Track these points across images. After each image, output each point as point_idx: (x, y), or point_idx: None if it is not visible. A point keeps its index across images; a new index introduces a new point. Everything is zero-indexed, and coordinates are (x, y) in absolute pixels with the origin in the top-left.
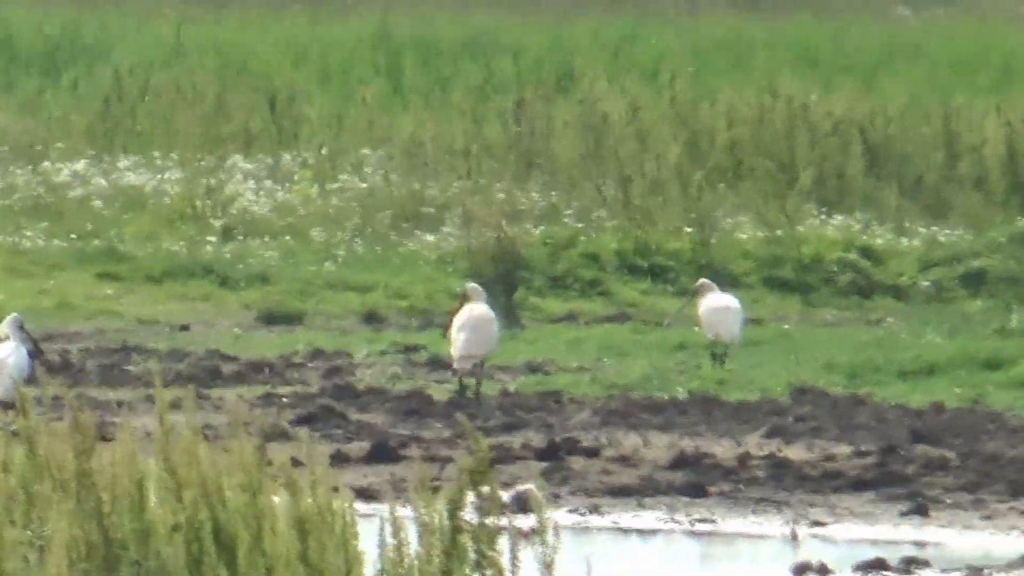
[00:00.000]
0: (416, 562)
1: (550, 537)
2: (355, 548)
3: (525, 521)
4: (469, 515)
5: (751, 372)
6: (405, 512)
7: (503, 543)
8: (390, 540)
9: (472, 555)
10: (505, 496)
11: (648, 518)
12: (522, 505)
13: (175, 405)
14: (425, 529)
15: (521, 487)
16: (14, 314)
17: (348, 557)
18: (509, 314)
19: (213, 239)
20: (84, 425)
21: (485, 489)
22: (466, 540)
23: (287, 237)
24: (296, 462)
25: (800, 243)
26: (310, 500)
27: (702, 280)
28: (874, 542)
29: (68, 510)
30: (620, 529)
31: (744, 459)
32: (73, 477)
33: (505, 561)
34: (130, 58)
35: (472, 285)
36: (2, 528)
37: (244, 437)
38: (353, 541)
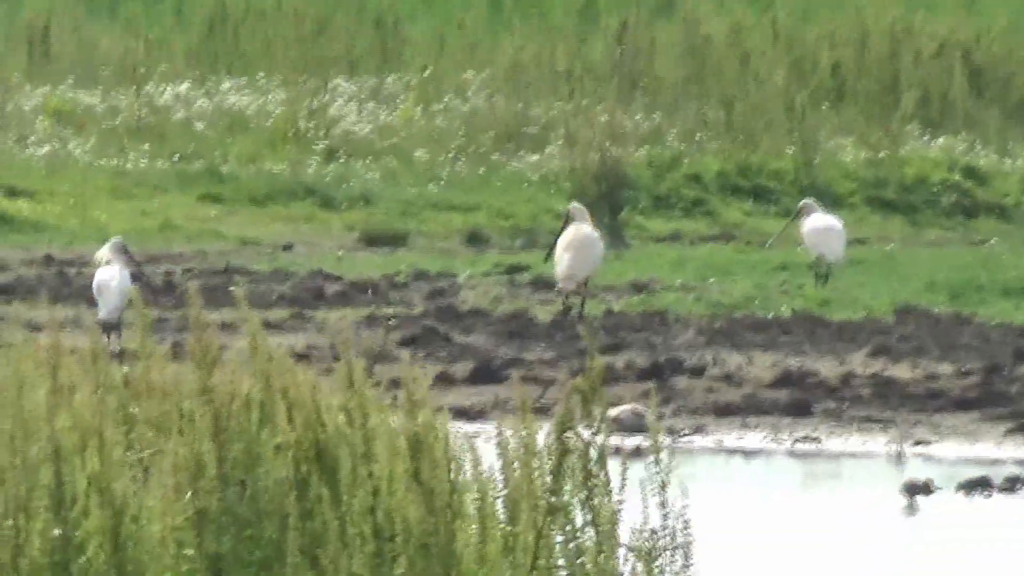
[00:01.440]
0: (523, 482)
1: (664, 457)
2: (462, 467)
3: (630, 441)
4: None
5: (854, 291)
6: (509, 432)
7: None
8: (495, 461)
9: (580, 476)
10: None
11: (752, 437)
12: (627, 425)
13: (277, 326)
14: (528, 450)
15: (625, 407)
16: (117, 237)
17: (454, 476)
18: (613, 234)
19: (316, 160)
20: (207, 342)
21: (596, 409)
22: (574, 461)
23: (390, 158)
24: (398, 383)
25: (903, 164)
26: (413, 420)
27: (805, 200)
28: (978, 461)
29: (178, 429)
30: (724, 448)
31: (848, 378)
32: (190, 395)
33: (613, 482)
34: None
35: (576, 205)
36: (112, 448)
37: (348, 358)
38: (456, 461)
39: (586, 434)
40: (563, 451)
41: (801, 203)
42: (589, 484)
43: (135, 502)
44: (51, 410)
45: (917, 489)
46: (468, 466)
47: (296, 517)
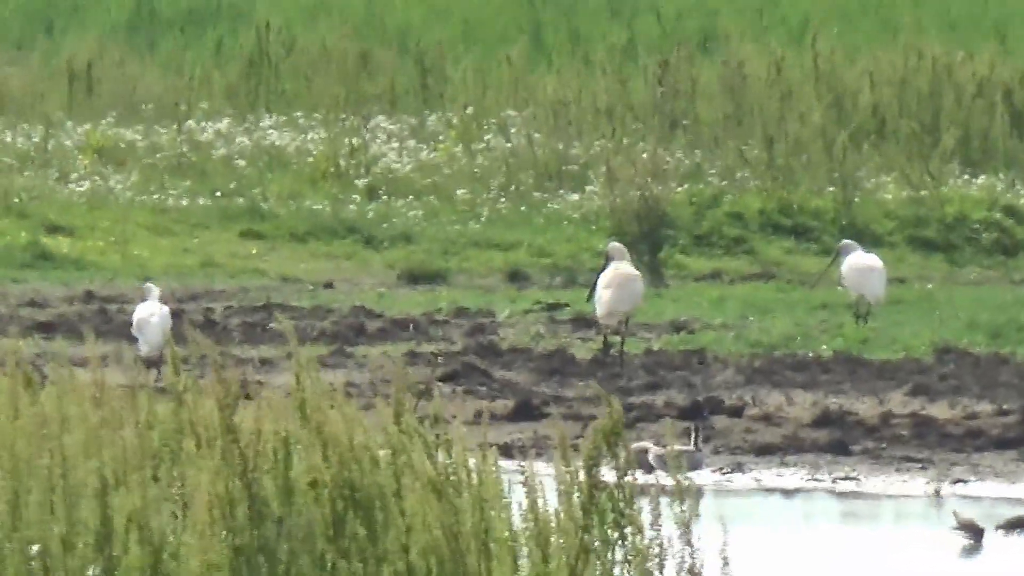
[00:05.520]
0: (555, 520)
1: (688, 497)
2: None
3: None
4: (608, 474)
5: (894, 331)
6: (547, 470)
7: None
8: (529, 498)
9: (610, 513)
10: (651, 453)
11: (791, 477)
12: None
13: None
14: (564, 487)
15: (658, 446)
16: (151, 283)
17: (485, 517)
18: (653, 272)
19: (357, 198)
20: (227, 381)
21: (619, 449)
22: (604, 498)
23: (431, 197)
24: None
25: (944, 203)
26: (449, 459)
27: (844, 240)
28: (1017, 501)
29: (212, 467)
30: (763, 488)
31: (887, 417)
32: (218, 433)
33: (645, 519)
34: (273, 17)
35: (615, 244)
36: (148, 485)
37: (390, 395)
38: (492, 501)
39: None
40: (592, 487)
41: (840, 243)
42: (621, 523)
43: (174, 539)
44: (93, 446)
45: (969, 529)
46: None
47: (332, 555)
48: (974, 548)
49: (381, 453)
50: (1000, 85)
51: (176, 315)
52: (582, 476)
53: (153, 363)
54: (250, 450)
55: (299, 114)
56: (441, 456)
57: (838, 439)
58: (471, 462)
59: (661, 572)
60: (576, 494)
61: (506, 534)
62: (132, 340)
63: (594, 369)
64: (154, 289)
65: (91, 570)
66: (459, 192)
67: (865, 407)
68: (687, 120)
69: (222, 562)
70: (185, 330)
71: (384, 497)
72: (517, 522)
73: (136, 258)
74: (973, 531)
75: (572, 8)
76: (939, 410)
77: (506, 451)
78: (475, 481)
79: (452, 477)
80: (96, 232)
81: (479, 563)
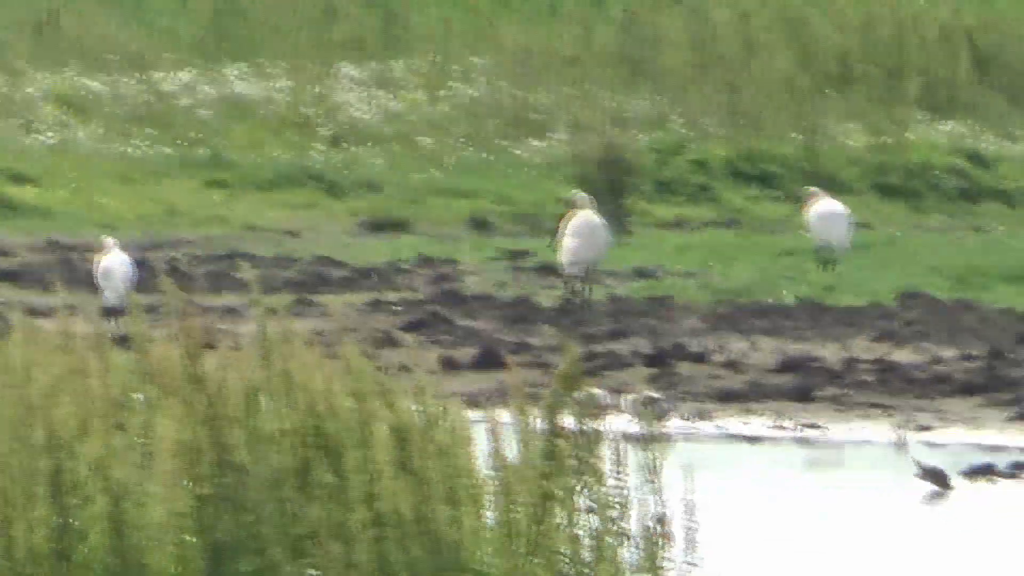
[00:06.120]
0: (518, 467)
1: (656, 444)
2: (462, 455)
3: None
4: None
5: (858, 277)
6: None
7: (606, 448)
8: (493, 446)
9: (572, 461)
10: (624, 401)
11: (756, 424)
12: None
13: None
14: (524, 435)
15: (637, 394)
16: (107, 238)
17: (453, 464)
18: (617, 219)
19: (320, 146)
20: (193, 329)
21: (578, 395)
22: (564, 445)
23: (394, 144)
24: (404, 367)
25: (907, 149)
26: (417, 407)
27: (811, 188)
28: (981, 447)
29: (177, 415)
30: (728, 435)
31: (851, 363)
32: (182, 382)
33: (607, 466)
34: None
35: (580, 193)
36: (111, 434)
37: (351, 343)
38: (459, 448)
39: (572, 420)
40: (553, 435)
41: (807, 191)
42: (582, 470)
43: (137, 488)
44: (55, 396)
45: (934, 476)
46: (469, 453)
47: (297, 503)
48: (939, 494)
49: (347, 401)
50: (964, 31)
51: (140, 264)
52: (542, 424)
53: (115, 312)
54: (216, 398)
55: (263, 62)
56: (407, 404)
57: (802, 385)
58: (437, 410)
59: (624, 520)
60: (535, 442)
61: (472, 482)
62: (95, 290)
63: (558, 317)
64: (110, 242)
65: (55, 519)
66: (423, 140)
67: (829, 353)
68: (651, 68)
69: (187, 511)
70: (149, 279)
71: (351, 443)
72: (483, 470)
73: (100, 207)
74: (937, 477)
75: None
76: (903, 356)
77: (471, 399)
78: (441, 429)
79: (418, 424)
80: (60, 181)
81: (446, 510)
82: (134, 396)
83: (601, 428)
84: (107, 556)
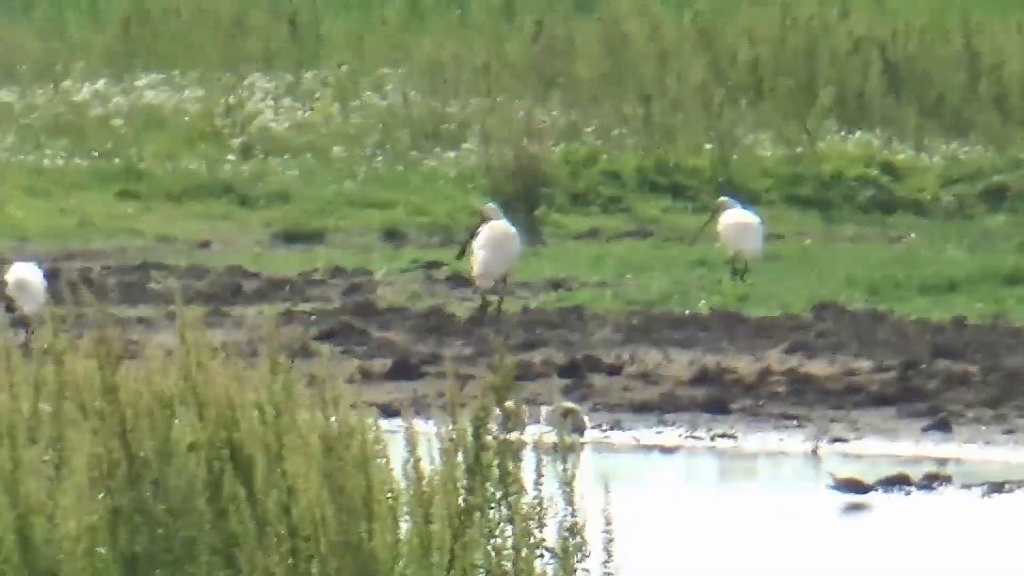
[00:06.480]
0: (438, 480)
1: (572, 455)
2: (378, 465)
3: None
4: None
5: (772, 288)
6: (426, 429)
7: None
8: (410, 458)
9: (496, 471)
10: (541, 412)
11: (670, 434)
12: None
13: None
14: (448, 446)
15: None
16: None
17: (369, 474)
18: (530, 230)
19: (232, 157)
20: (109, 340)
21: (509, 405)
22: (490, 457)
23: (307, 155)
24: (317, 379)
25: (820, 160)
26: (332, 418)
27: (722, 198)
28: (896, 458)
29: (91, 427)
30: (641, 446)
31: (765, 375)
32: (97, 393)
33: (528, 477)
34: None
35: (489, 204)
36: (22, 447)
37: (267, 353)
38: (375, 459)
39: (501, 431)
40: (480, 448)
41: (718, 200)
42: (506, 481)
43: (49, 502)
44: None
45: (848, 486)
46: (386, 464)
47: (211, 516)
48: (853, 505)
49: (260, 412)
50: (876, 43)
51: (52, 275)
52: (469, 436)
53: (22, 323)
54: (129, 410)
55: (175, 73)
56: (321, 415)
57: (716, 397)
58: (352, 421)
59: (541, 530)
60: (462, 454)
61: (388, 494)
62: (4, 301)
63: (472, 328)
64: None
65: None
66: (335, 151)
67: (743, 364)
68: (564, 79)
69: (100, 524)
70: (62, 290)
71: (267, 455)
72: (399, 483)
73: (11, 219)
74: (852, 488)
75: None
76: (817, 367)
77: (385, 410)
78: (357, 440)
79: (334, 436)
80: None
81: (361, 524)
82: (44, 408)
83: (524, 439)
84: (16, 572)
